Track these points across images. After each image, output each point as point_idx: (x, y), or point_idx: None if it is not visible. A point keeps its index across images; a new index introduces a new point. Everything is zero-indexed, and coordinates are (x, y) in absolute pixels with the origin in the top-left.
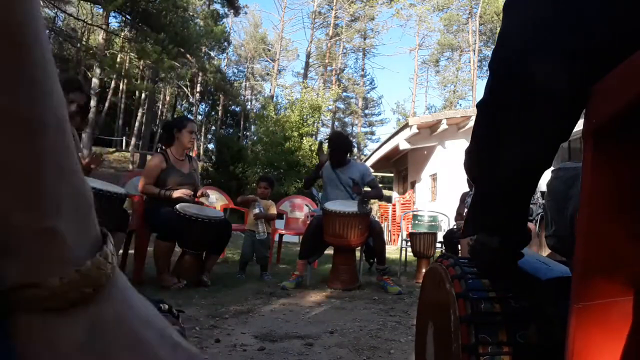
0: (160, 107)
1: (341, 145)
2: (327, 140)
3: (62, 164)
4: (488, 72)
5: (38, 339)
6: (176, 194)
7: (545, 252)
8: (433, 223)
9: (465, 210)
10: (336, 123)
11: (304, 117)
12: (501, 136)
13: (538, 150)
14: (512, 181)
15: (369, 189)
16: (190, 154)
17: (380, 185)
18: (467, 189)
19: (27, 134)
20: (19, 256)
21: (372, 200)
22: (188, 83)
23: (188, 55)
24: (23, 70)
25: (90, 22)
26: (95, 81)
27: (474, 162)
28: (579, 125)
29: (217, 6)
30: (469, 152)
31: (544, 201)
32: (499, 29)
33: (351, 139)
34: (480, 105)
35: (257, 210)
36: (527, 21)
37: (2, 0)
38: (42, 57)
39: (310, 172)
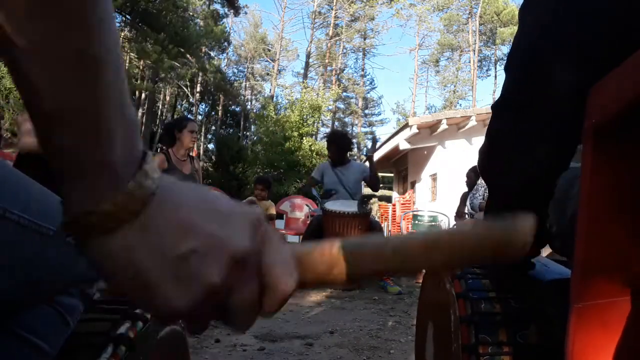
0: (160, 107)
1: (341, 144)
2: (326, 139)
3: (120, 101)
4: (504, 73)
5: (99, 254)
6: None
7: (545, 252)
8: (433, 223)
9: (466, 210)
10: (336, 123)
11: (304, 117)
12: (517, 138)
13: (554, 152)
14: (528, 183)
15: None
16: (191, 154)
17: (381, 185)
18: (467, 189)
19: (94, 73)
20: (80, 185)
21: (372, 200)
22: (188, 83)
23: (188, 55)
24: (93, 10)
25: None
26: None
27: (487, 162)
28: None
29: (217, 6)
30: (482, 152)
31: None
32: (499, 29)
33: (351, 138)
34: (495, 107)
35: None
36: (542, 23)
37: None
38: None
39: (310, 172)
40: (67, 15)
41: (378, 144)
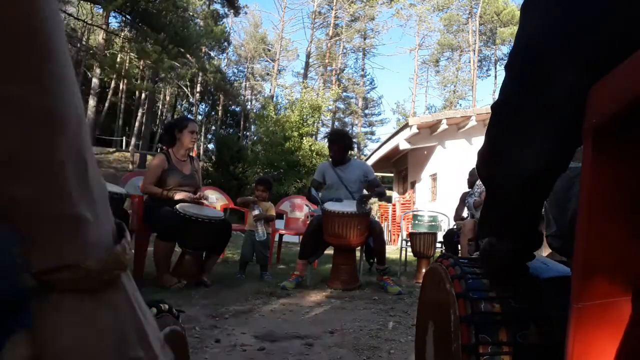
0: (160, 107)
1: (343, 143)
2: (327, 137)
3: (84, 155)
4: (504, 72)
5: (72, 316)
6: (178, 196)
7: (546, 252)
8: (433, 223)
9: (466, 210)
10: (336, 123)
11: (304, 117)
12: (516, 138)
13: (553, 152)
14: (525, 184)
15: (366, 192)
16: (191, 154)
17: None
18: (467, 189)
19: (51, 127)
20: (50, 241)
21: (372, 200)
22: (188, 83)
23: (188, 55)
24: (45, 64)
25: (90, 22)
26: (95, 81)
27: (486, 163)
28: None
29: (217, 6)
30: (482, 154)
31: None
32: (499, 29)
33: (352, 137)
34: (494, 107)
35: (256, 212)
36: (543, 22)
37: None
38: (61, 52)
39: (310, 172)
40: (11, 64)
41: (378, 144)
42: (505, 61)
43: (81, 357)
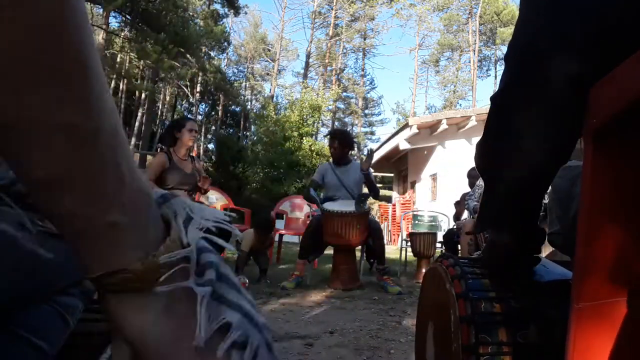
0: (160, 107)
1: (345, 140)
2: (329, 135)
3: (119, 163)
4: (503, 64)
5: (127, 314)
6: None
7: (546, 251)
8: (433, 223)
9: (465, 210)
10: (336, 123)
11: (304, 117)
12: (514, 130)
13: (551, 143)
14: (524, 177)
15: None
16: (192, 154)
17: (381, 185)
18: (467, 190)
19: (86, 142)
20: (96, 248)
21: (372, 200)
22: (188, 83)
23: (188, 55)
24: (83, 85)
25: (90, 22)
26: None
27: (484, 156)
28: None
29: (217, 6)
30: (480, 145)
31: (546, 200)
32: (499, 29)
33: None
34: (493, 98)
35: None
36: (542, 12)
37: (65, 23)
38: (97, 69)
39: (310, 172)
40: (63, 91)
41: (378, 144)
42: (505, 52)
43: (174, 348)
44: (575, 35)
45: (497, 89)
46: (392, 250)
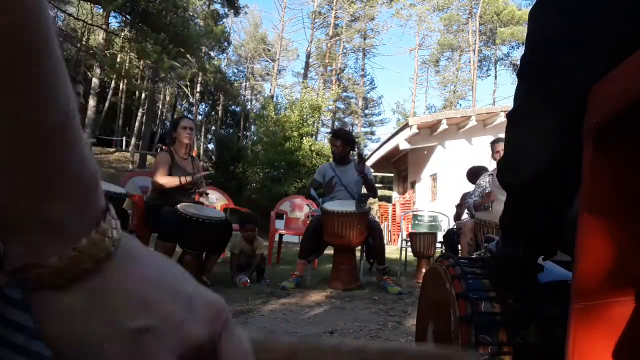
0: (160, 107)
1: (347, 139)
2: (331, 134)
3: (63, 156)
4: (516, 79)
5: (45, 311)
6: (195, 177)
7: None
8: (433, 223)
9: (465, 210)
10: (336, 123)
11: (304, 117)
12: (530, 140)
13: (566, 154)
14: (540, 185)
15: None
16: (191, 154)
17: (381, 185)
18: (467, 190)
19: (30, 134)
20: (22, 239)
21: (372, 200)
22: (188, 83)
23: (188, 55)
24: (31, 73)
25: (90, 22)
26: (95, 81)
27: (505, 171)
28: None
29: (217, 6)
30: (501, 162)
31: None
32: (499, 29)
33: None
34: (509, 116)
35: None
36: (551, 26)
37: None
38: (51, 56)
39: (310, 172)
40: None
41: (378, 144)
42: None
43: (71, 341)
44: (585, 46)
45: (513, 106)
46: (392, 250)
